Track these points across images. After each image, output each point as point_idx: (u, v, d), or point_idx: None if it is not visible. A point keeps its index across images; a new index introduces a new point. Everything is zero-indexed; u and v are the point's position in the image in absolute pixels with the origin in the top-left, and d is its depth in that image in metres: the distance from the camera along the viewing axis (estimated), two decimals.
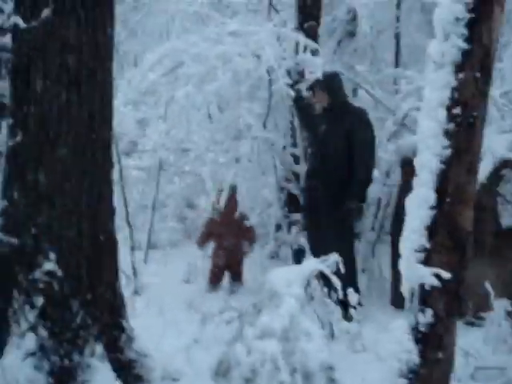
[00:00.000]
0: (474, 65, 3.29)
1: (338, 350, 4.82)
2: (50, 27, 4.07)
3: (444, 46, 3.28)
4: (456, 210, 3.35)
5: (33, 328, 4.01)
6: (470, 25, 3.26)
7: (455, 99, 3.32)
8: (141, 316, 5.30)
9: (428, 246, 3.40)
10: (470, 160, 3.37)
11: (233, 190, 6.52)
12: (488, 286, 4.76)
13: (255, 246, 7.12)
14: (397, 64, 11.55)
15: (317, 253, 5.09)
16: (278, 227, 7.16)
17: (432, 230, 3.39)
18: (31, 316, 4.02)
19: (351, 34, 11.78)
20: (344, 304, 5.11)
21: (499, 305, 4.82)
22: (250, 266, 7.00)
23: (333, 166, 5.91)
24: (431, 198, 3.39)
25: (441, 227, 3.37)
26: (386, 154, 6.52)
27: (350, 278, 5.23)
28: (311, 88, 6.21)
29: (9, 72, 4.30)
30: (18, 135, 4.13)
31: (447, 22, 3.25)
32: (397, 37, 11.88)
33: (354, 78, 7.48)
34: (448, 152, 3.35)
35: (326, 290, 4.95)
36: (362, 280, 6.18)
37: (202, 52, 6.00)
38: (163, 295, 6.27)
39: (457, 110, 3.32)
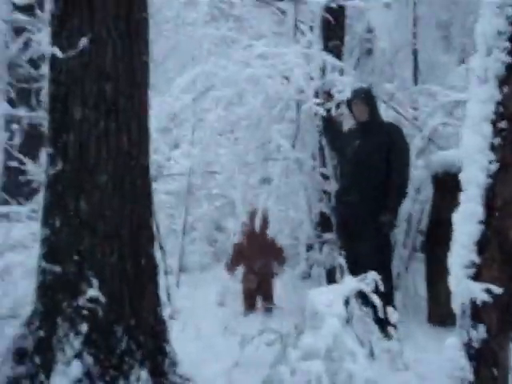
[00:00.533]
0: None
1: (379, 369, 4.77)
2: (87, 56, 4.12)
3: (487, 61, 3.29)
4: (506, 223, 3.34)
5: (78, 355, 4.02)
6: None
7: (500, 113, 3.32)
8: (178, 340, 5.28)
9: (478, 261, 3.39)
10: None
11: (264, 212, 6.52)
12: None
13: (285, 266, 7.12)
14: (415, 80, 11.60)
15: (354, 271, 5.07)
16: (310, 247, 7.14)
17: (481, 245, 3.38)
18: (76, 343, 4.04)
19: (368, 52, 11.85)
20: (382, 322, 5.07)
21: None
22: (283, 286, 6.98)
23: (367, 181, 5.91)
24: (479, 212, 3.37)
25: (490, 242, 3.35)
26: (416, 170, 6.51)
27: (387, 296, 5.20)
28: (348, 103, 6.22)
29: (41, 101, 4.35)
30: (58, 163, 4.16)
31: (489, 36, 3.26)
32: (414, 53, 11.94)
33: (382, 96, 7.48)
34: (495, 166, 3.35)
35: (364, 308, 4.93)
36: (397, 297, 6.14)
37: (231, 75, 6.04)
38: (198, 319, 6.26)
39: (502, 124, 3.33)
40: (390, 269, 5.93)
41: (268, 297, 6.91)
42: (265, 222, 6.61)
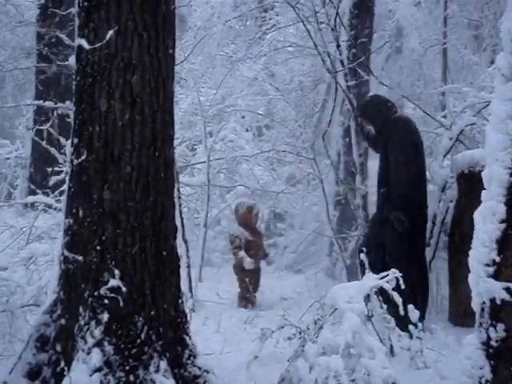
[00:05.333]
0: None
1: (399, 366, 4.76)
2: (113, 48, 4.15)
3: None
4: None
5: (98, 344, 4.04)
6: None
7: None
8: (198, 333, 5.32)
9: (498, 259, 3.36)
10: None
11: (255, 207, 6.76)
12: None
13: (309, 262, 7.15)
14: (445, 80, 11.52)
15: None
16: (333, 244, 7.15)
17: (502, 244, 3.35)
18: (97, 332, 4.06)
19: (397, 51, 11.82)
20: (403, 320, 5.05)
21: None
22: (305, 282, 6.99)
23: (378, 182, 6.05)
24: (501, 211, 3.35)
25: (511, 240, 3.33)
26: (441, 169, 6.47)
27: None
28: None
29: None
30: (82, 154, 4.19)
31: None
32: (444, 53, 11.86)
33: (409, 96, 7.47)
34: None
35: (385, 306, 4.92)
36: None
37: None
38: (219, 312, 6.30)
39: None
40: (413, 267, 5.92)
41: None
42: (256, 217, 6.82)
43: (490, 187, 3.41)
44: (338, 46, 6.87)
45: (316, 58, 8.19)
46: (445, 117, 7.28)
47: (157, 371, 4.12)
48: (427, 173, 6.31)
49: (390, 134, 5.93)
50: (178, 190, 6.59)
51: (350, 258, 6.77)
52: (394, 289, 4.71)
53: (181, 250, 6.25)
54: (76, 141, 4.25)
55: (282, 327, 4.76)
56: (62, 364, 4.06)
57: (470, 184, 5.82)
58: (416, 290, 4.84)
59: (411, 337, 4.99)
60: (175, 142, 5.46)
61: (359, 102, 6.71)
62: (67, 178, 4.40)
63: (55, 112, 6.28)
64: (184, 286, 6.01)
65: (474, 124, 6.79)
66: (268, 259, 7.29)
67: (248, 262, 6.82)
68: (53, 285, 4.36)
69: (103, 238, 4.13)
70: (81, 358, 4.04)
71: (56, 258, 4.43)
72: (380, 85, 7.61)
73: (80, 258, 4.17)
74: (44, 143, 6.45)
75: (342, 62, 6.83)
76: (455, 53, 13.06)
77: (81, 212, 4.19)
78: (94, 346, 4.04)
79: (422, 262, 6.03)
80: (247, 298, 6.83)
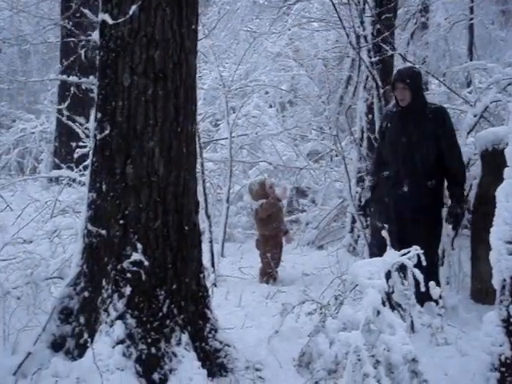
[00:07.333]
0: None
1: (419, 343, 4.76)
2: (136, 23, 4.16)
3: None
4: None
5: (121, 316, 4.09)
6: None
7: None
8: (220, 307, 5.38)
9: None
10: None
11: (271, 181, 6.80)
12: None
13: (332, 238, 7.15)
14: (471, 56, 11.39)
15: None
16: (355, 220, 7.16)
17: None
18: (119, 305, 4.11)
19: (423, 26, 11.70)
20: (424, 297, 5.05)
21: None
22: (327, 258, 7.01)
23: (420, 169, 5.70)
24: None
25: None
26: (465, 147, 6.41)
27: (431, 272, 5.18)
28: (392, 84, 5.80)
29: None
30: (106, 129, 4.22)
31: None
32: (471, 28, 11.71)
33: (434, 72, 7.41)
34: None
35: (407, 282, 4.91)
36: (441, 274, 6.09)
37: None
38: (241, 287, 6.34)
39: None
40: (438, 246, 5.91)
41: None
42: (272, 189, 6.87)
43: None
44: (362, 21, 6.84)
45: (340, 34, 8.16)
46: (470, 93, 7.21)
47: (178, 344, 4.17)
48: None
49: (443, 122, 5.71)
50: (202, 166, 6.63)
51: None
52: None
53: (203, 225, 6.34)
54: (99, 116, 4.29)
55: (303, 302, 4.80)
56: (86, 336, 4.11)
57: (494, 161, 5.76)
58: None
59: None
60: (198, 118, 5.50)
61: (384, 76, 6.64)
62: (91, 153, 4.44)
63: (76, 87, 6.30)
64: (206, 261, 6.08)
65: (498, 101, 6.72)
66: (288, 237, 7.28)
67: (283, 190, 6.95)
68: (76, 258, 4.41)
69: (126, 212, 4.17)
70: (104, 330, 4.09)
71: (80, 232, 4.47)
72: (404, 61, 7.55)
73: (103, 231, 4.22)
74: (64, 119, 6.47)
75: (365, 38, 6.78)
76: (482, 28, 12.91)
77: (104, 186, 4.23)
78: (117, 318, 4.09)
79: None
80: (269, 274, 6.87)
